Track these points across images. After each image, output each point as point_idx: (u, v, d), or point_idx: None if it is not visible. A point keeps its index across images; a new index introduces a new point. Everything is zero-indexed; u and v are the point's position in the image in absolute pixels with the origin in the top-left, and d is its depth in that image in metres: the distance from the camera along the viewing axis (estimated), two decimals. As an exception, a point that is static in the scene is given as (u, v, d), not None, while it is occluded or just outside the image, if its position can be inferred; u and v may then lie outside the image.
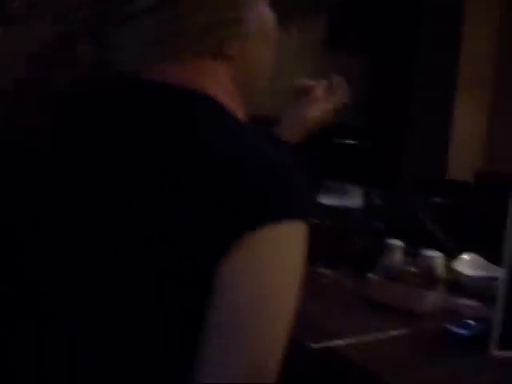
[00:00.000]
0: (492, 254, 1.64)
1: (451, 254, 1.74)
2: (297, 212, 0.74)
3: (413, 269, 1.37)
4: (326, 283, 1.53)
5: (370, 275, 1.43)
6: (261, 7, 0.89)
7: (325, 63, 3.46)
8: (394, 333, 1.25)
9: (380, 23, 3.48)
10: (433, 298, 1.38)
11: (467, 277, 1.57)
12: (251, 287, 0.72)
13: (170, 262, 0.72)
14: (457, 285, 1.58)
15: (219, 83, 0.84)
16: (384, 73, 3.52)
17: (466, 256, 1.71)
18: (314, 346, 1.13)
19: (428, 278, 1.38)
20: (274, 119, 1.36)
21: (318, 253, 1.58)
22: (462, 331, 1.26)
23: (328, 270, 1.56)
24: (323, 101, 1.32)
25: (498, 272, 1.23)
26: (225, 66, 0.85)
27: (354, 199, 1.52)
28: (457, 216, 2.08)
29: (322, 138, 3.41)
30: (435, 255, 1.52)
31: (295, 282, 0.75)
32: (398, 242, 1.55)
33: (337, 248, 1.56)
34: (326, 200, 1.51)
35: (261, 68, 0.91)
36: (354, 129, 3.47)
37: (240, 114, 0.86)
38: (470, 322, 1.29)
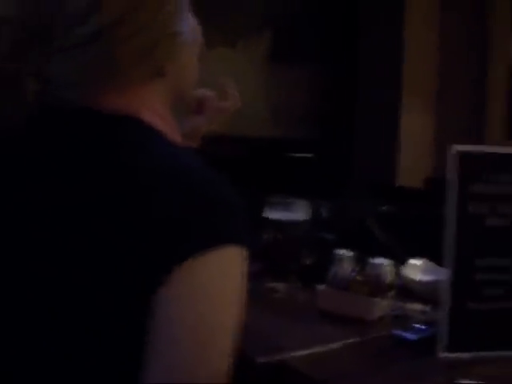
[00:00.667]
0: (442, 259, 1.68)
1: (400, 260, 1.77)
2: (229, 236, 0.74)
3: (361, 277, 1.39)
4: (277, 297, 1.54)
5: (318, 286, 1.44)
6: (190, 18, 0.90)
7: (271, 77, 3.49)
8: (344, 342, 1.26)
9: (323, 35, 3.53)
10: (381, 305, 1.40)
11: (415, 281, 1.59)
12: (186, 317, 0.72)
13: (105, 290, 0.72)
14: (406, 290, 1.61)
15: (153, 108, 0.85)
16: (330, 84, 3.56)
17: (415, 261, 1.74)
18: (262, 360, 1.13)
19: (376, 286, 1.40)
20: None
21: (268, 268, 1.60)
22: (410, 336, 1.28)
23: (279, 284, 1.57)
24: (216, 109, 1.29)
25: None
26: (159, 84, 0.86)
27: (300, 213, 1.53)
28: (406, 222, 2.11)
29: (269, 152, 3.44)
30: (383, 262, 1.54)
31: (233, 305, 0.75)
32: (346, 252, 1.57)
33: (286, 262, 1.58)
34: (273, 215, 1.52)
35: (192, 74, 0.93)
36: (303, 141, 3.50)
37: (175, 136, 0.87)
38: (418, 326, 1.32)
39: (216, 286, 0.73)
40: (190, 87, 0.95)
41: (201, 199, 0.74)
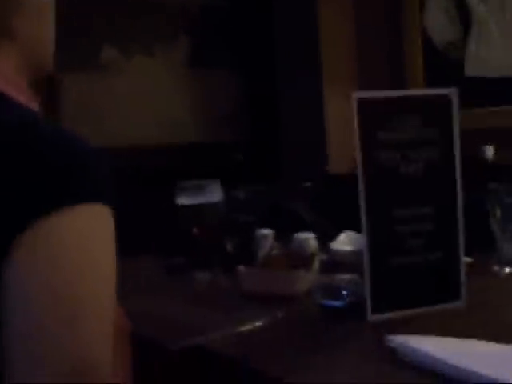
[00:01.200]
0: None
1: (329, 237, 1.70)
2: (93, 194, 0.69)
3: (279, 252, 1.31)
4: (200, 287, 1.45)
5: (239, 267, 1.36)
6: None
7: (192, 82, 3.43)
8: (269, 319, 1.18)
9: (239, 37, 3.50)
10: (306, 278, 1.32)
11: (342, 252, 1.53)
12: (50, 274, 0.64)
13: None
14: (335, 264, 1.54)
15: (3, 75, 0.79)
16: (251, 85, 3.53)
17: (342, 235, 1.68)
18: (178, 345, 1.04)
19: (299, 259, 1.32)
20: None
21: (190, 257, 1.51)
22: (337, 303, 1.21)
23: (201, 273, 1.48)
24: None
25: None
26: (8, 46, 0.81)
27: (214, 194, 1.45)
28: (334, 201, 2.05)
29: (197, 158, 3.37)
30: (307, 236, 1.47)
31: (102, 259, 0.68)
32: (267, 231, 1.49)
33: (207, 249, 1.49)
34: (185, 200, 1.44)
35: (44, 38, 0.87)
36: (230, 144, 3.44)
37: (30, 103, 0.80)
38: (344, 293, 1.24)
39: (79, 246, 0.66)
40: (45, 54, 0.88)
41: (57, 157, 0.69)
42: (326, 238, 1.66)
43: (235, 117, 3.54)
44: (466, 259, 1.36)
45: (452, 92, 1.15)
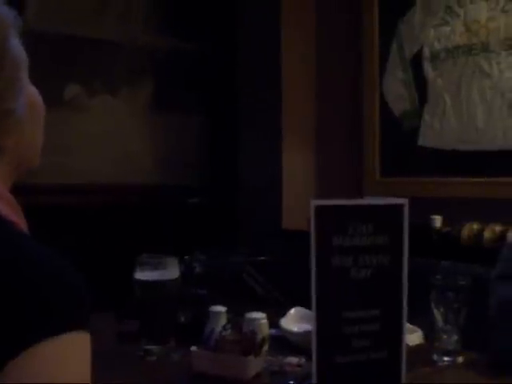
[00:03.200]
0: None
1: (281, 310, 1.75)
2: (74, 323, 0.72)
3: (232, 336, 1.36)
4: (151, 360, 1.48)
5: (192, 348, 1.40)
6: (27, 89, 0.87)
7: (154, 125, 3.47)
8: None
9: (205, 83, 3.55)
10: (256, 363, 1.37)
11: (291, 332, 1.58)
12: None
13: None
14: (284, 341, 1.59)
15: None
16: (214, 130, 3.58)
17: (292, 311, 1.73)
18: None
19: (250, 343, 1.37)
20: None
21: (142, 330, 1.54)
22: (284, 394, 1.26)
23: (154, 347, 1.52)
24: None
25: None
26: None
27: (171, 271, 1.49)
28: (287, 269, 2.11)
29: (152, 200, 3.40)
30: (258, 317, 1.52)
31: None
32: (220, 308, 1.54)
33: (160, 322, 1.52)
34: (142, 275, 1.48)
35: (35, 145, 0.92)
36: (187, 189, 3.48)
37: (16, 217, 0.84)
38: (290, 382, 1.30)
39: (55, 374, 0.69)
40: (35, 158, 0.92)
41: (37, 286, 0.71)
42: (277, 312, 1.72)
43: (194, 161, 3.59)
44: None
45: (404, 202, 1.22)
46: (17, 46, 0.85)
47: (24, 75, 0.86)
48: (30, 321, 0.69)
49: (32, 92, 0.90)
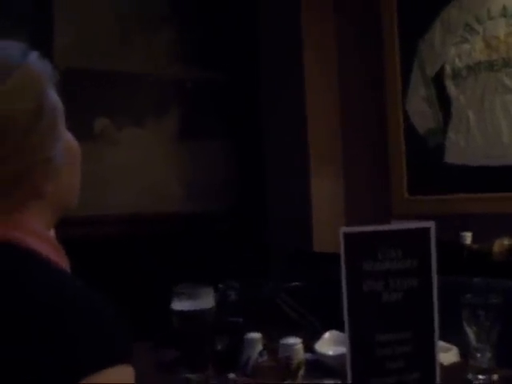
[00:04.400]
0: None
1: (315, 335, 1.78)
2: (119, 356, 0.76)
3: (268, 363, 1.39)
4: (192, 389, 1.52)
5: (230, 375, 1.43)
6: (64, 136, 0.92)
7: (181, 153, 3.53)
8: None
9: (228, 110, 3.61)
10: (292, 388, 1.40)
11: (326, 356, 1.61)
12: None
13: None
14: (319, 365, 1.62)
15: (34, 232, 0.86)
16: (240, 156, 3.63)
17: (327, 334, 1.76)
18: None
19: (286, 369, 1.40)
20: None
21: (181, 359, 1.58)
22: (321, 418, 1.28)
23: (193, 375, 1.55)
24: None
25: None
26: (39, 205, 0.88)
27: (206, 300, 1.53)
28: (320, 294, 2.13)
29: (185, 228, 3.44)
30: (293, 342, 1.55)
31: None
32: (256, 335, 1.57)
33: (198, 351, 1.56)
34: (178, 305, 1.52)
35: (73, 190, 0.96)
36: (218, 215, 3.53)
37: (57, 255, 0.88)
38: (328, 406, 1.32)
39: None
40: (73, 199, 0.97)
41: (82, 325, 0.76)
42: (312, 336, 1.74)
43: (223, 187, 3.63)
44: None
45: (431, 225, 1.25)
46: (54, 97, 0.90)
47: (61, 123, 0.91)
48: (76, 358, 0.73)
49: (68, 138, 0.94)
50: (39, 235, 0.87)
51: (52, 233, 0.97)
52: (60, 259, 0.89)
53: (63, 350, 0.73)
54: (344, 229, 1.19)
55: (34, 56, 0.89)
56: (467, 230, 2.75)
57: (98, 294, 0.81)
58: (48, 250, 0.86)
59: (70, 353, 0.73)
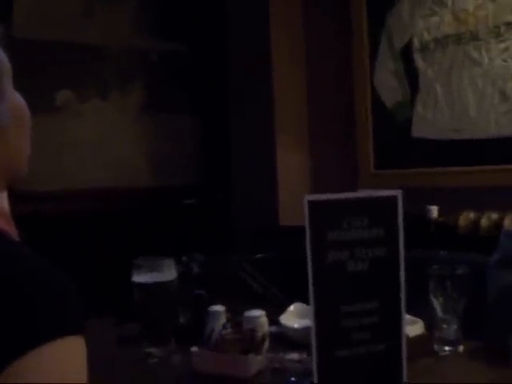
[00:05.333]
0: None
1: (280, 307, 1.75)
2: (71, 328, 0.73)
3: (232, 335, 1.36)
4: (152, 363, 1.48)
5: (193, 348, 1.40)
6: (11, 96, 0.87)
7: (145, 127, 3.47)
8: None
9: (196, 84, 3.55)
10: (256, 361, 1.37)
11: (291, 328, 1.58)
12: None
13: None
14: (284, 338, 1.59)
15: None
16: (203, 131, 3.58)
17: (292, 307, 1.73)
18: None
19: (250, 341, 1.37)
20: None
21: (142, 333, 1.54)
22: (285, 391, 1.26)
23: (155, 349, 1.51)
24: None
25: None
26: None
27: (168, 272, 1.49)
28: (285, 266, 2.10)
29: (148, 203, 3.40)
30: (257, 314, 1.52)
31: None
32: (219, 308, 1.54)
33: (160, 324, 1.52)
34: (139, 278, 1.47)
35: (21, 153, 0.91)
36: (182, 190, 3.48)
37: (6, 225, 0.84)
38: (292, 379, 1.29)
39: (52, 380, 0.69)
40: (22, 164, 0.92)
41: (33, 294, 0.72)
42: (276, 309, 1.71)
43: (188, 162, 3.59)
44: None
45: (398, 193, 1.22)
46: None
47: (6, 83, 0.86)
48: (24, 328, 0.69)
49: (16, 99, 0.89)
50: None
51: (5, 203, 0.91)
52: (9, 228, 0.84)
53: (8, 319, 0.69)
54: (308, 197, 1.15)
55: None
56: (433, 203, 2.75)
57: (52, 265, 0.77)
58: None
59: (16, 323, 0.69)
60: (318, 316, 1.17)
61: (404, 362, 1.25)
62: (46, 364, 0.69)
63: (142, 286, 1.46)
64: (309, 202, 1.15)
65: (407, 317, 1.33)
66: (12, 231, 0.85)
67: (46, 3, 3.22)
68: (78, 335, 0.73)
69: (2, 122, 0.84)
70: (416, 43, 2.97)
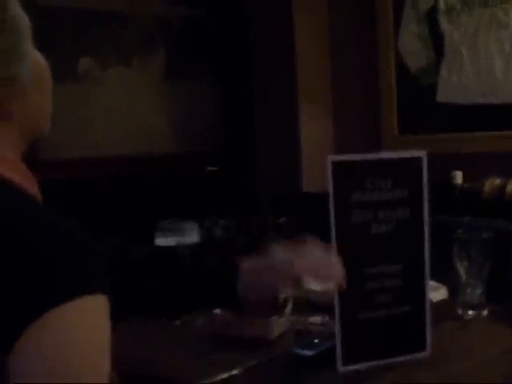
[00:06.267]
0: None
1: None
2: (93, 285, 0.73)
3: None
4: (177, 324, 1.49)
5: (214, 311, 1.40)
6: (32, 55, 0.86)
7: (168, 93, 3.46)
8: (243, 366, 1.23)
9: (217, 50, 3.53)
10: (279, 323, 1.37)
11: (315, 292, 1.57)
12: (47, 369, 0.68)
13: None
14: (308, 301, 1.59)
15: (4, 160, 0.82)
16: (228, 96, 3.56)
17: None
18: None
19: (273, 304, 1.37)
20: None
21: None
22: (307, 352, 1.26)
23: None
24: None
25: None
26: (6, 126, 0.83)
27: (190, 236, 1.49)
28: (306, 231, 2.09)
29: (171, 168, 3.40)
30: (280, 278, 1.51)
31: (98, 355, 0.72)
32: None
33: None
34: (162, 241, 1.48)
35: (42, 112, 0.90)
36: (206, 156, 3.48)
37: (30, 187, 0.84)
38: (315, 340, 1.29)
39: (76, 340, 0.70)
40: (44, 123, 0.92)
41: (69, 249, 0.73)
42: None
43: (211, 128, 3.58)
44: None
45: (422, 154, 1.20)
46: (18, 11, 0.84)
47: (27, 41, 0.85)
48: (48, 285, 0.69)
49: (37, 58, 0.88)
50: (11, 162, 0.82)
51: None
52: (34, 190, 0.84)
53: (36, 276, 0.70)
54: (332, 157, 1.14)
55: None
56: (458, 169, 2.71)
57: (71, 223, 0.77)
58: (21, 178, 0.82)
59: (44, 280, 0.70)
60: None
61: (428, 325, 1.24)
62: (70, 321, 0.69)
63: (167, 249, 1.47)
64: (333, 162, 1.13)
65: (430, 283, 1.32)
66: (35, 192, 0.85)
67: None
68: (102, 294, 0.73)
69: (23, 80, 0.83)
70: (441, 5, 2.91)
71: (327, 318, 1.46)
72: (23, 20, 0.85)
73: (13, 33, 0.82)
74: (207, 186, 3.36)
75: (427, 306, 1.24)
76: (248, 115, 3.47)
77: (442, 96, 2.93)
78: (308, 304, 1.58)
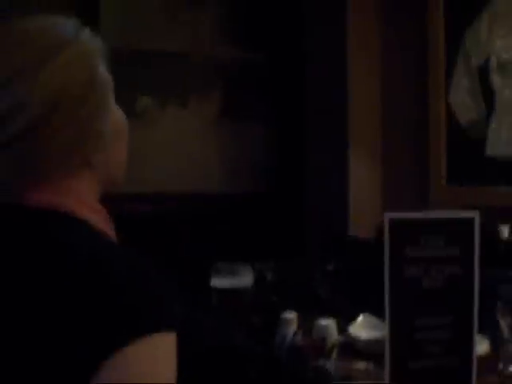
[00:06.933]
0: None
1: (349, 317, 1.80)
2: (164, 323, 0.78)
3: (304, 342, 1.41)
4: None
5: (267, 352, 1.46)
6: (114, 109, 0.94)
7: (223, 134, 3.54)
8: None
9: (271, 91, 3.61)
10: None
11: (358, 339, 1.62)
12: None
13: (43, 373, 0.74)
14: (352, 348, 1.64)
15: (82, 200, 0.89)
16: (279, 139, 3.63)
17: (361, 318, 1.78)
18: None
19: (320, 349, 1.42)
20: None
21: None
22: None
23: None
24: None
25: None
26: (88, 174, 0.90)
27: (245, 278, 1.55)
28: (356, 278, 2.15)
29: (223, 208, 3.46)
30: (327, 323, 1.57)
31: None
32: (291, 315, 1.59)
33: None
34: (218, 283, 1.55)
35: (120, 163, 0.97)
36: (256, 196, 3.54)
37: (105, 223, 0.91)
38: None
39: (148, 373, 0.75)
40: (120, 175, 0.99)
41: (143, 290, 0.78)
42: (345, 319, 1.76)
43: (262, 170, 3.64)
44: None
45: (475, 215, 1.25)
46: (105, 72, 0.93)
47: (111, 98, 0.94)
48: (121, 322, 0.75)
49: (118, 113, 0.96)
50: (90, 205, 0.89)
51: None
52: (108, 230, 0.91)
53: (104, 314, 0.75)
54: (389, 214, 1.20)
55: (85, 32, 0.92)
56: (504, 222, 2.73)
57: (145, 262, 0.82)
58: (96, 219, 0.89)
59: (111, 317, 0.75)
60: (393, 328, 1.22)
61: (474, 377, 1.28)
62: (142, 358, 0.75)
63: (222, 291, 1.53)
64: (389, 219, 1.20)
65: (476, 336, 1.36)
66: (110, 233, 0.92)
67: (131, 10, 3.34)
68: (172, 331, 0.78)
69: (107, 134, 0.90)
70: (494, 62, 2.97)
71: (371, 366, 1.50)
72: (109, 79, 0.94)
73: (101, 92, 0.90)
74: (257, 226, 3.41)
75: (474, 358, 1.28)
76: (299, 159, 3.54)
77: (491, 149, 2.97)
78: (352, 350, 1.64)
